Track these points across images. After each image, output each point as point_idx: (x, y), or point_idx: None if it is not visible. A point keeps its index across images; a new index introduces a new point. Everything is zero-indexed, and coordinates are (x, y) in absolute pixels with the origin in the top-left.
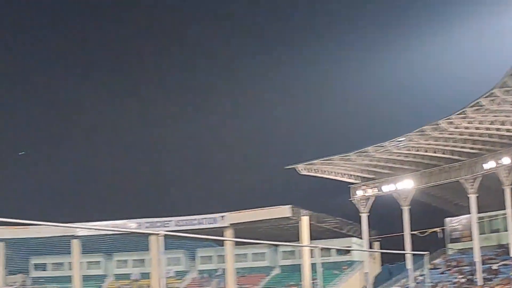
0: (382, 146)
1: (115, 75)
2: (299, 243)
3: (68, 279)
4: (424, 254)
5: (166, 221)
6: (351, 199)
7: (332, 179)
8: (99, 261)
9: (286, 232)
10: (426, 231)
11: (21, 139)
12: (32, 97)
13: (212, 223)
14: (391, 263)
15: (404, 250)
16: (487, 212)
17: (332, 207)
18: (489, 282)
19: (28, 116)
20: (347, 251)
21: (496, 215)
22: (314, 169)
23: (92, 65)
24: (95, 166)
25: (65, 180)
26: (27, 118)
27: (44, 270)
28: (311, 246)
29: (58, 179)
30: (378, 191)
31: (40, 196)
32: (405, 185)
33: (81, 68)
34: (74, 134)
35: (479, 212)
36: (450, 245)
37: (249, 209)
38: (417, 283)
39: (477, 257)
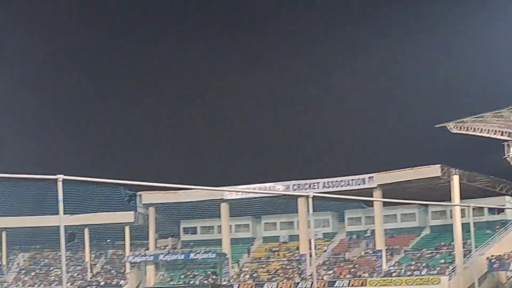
0: None
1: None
2: (449, 203)
3: (217, 242)
4: None
5: (314, 182)
6: (505, 156)
7: (484, 136)
8: (247, 224)
9: (436, 192)
10: None
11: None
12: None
13: (360, 184)
14: None
15: None
16: None
17: (484, 166)
18: None
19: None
20: (501, 210)
21: None
22: (465, 127)
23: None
24: (244, 130)
25: (214, 144)
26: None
27: (194, 234)
28: (462, 206)
29: (206, 143)
30: None
31: (189, 161)
32: None
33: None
34: (222, 100)
35: None
36: None
37: (398, 169)
38: None
39: None
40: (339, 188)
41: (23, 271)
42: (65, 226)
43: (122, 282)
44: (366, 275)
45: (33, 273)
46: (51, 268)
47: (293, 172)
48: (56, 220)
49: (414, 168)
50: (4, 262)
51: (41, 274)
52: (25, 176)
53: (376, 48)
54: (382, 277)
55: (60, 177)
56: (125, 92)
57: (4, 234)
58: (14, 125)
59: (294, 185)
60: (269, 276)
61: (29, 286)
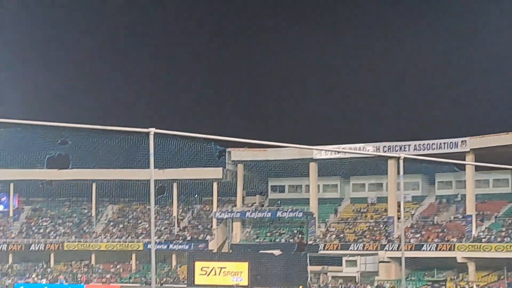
0: None
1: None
2: None
3: (304, 201)
4: None
5: (405, 145)
6: None
7: None
8: (336, 184)
9: None
10: None
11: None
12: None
13: (452, 148)
14: None
15: None
16: None
17: None
18: None
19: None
20: None
21: None
22: None
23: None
24: (335, 90)
25: (305, 103)
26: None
27: (282, 192)
28: None
29: (297, 102)
30: None
31: (280, 119)
32: None
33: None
34: (316, 60)
35: None
36: None
37: (492, 133)
38: None
39: None
40: (431, 151)
41: (111, 223)
42: (154, 180)
43: (208, 237)
44: (455, 240)
45: (121, 225)
46: (139, 221)
47: (384, 133)
48: (146, 173)
49: (509, 133)
50: (93, 214)
51: (129, 226)
52: (117, 129)
53: (470, 12)
54: (471, 242)
55: (152, 130)
56: (221, 49)
57: (94, 185)
58: (111, 79)
59: (384, 146)
60: (356, 237)
61: (116, 238)
